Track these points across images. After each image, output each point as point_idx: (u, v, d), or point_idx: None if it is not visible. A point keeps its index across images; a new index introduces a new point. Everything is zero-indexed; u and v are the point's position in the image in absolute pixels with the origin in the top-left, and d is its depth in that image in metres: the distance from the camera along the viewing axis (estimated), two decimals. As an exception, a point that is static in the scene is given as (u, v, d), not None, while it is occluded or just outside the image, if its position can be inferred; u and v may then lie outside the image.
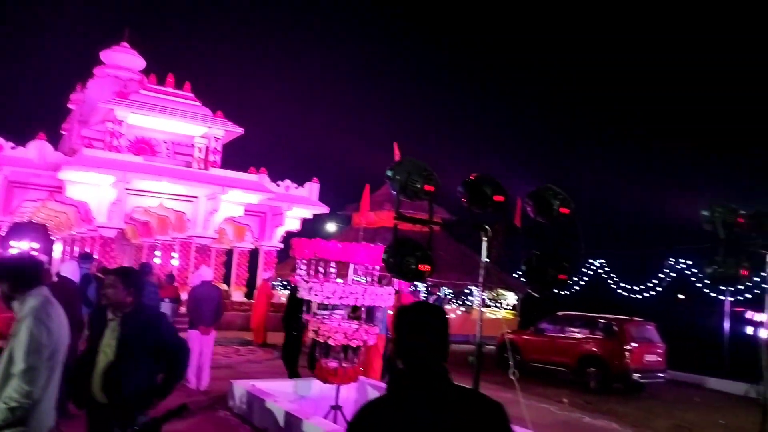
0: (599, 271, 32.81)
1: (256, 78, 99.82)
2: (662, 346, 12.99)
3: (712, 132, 76.03)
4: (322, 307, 6.94)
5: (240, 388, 7.88)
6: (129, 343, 3.58)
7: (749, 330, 21.27)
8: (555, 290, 4.60)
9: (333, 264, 7.14)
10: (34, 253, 20.62)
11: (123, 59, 22.36)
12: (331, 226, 30.68)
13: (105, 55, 22.38)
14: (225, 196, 18.77)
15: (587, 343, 12.91)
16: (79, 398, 3.69)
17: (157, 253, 21.63)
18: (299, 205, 21.52)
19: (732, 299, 16.52)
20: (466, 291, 21.86)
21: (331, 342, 6.54)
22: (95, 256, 14.88)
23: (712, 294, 22.09)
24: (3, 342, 3.15)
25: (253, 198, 19.43)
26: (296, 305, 9.24)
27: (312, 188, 21.95)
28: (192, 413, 6.98)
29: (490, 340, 13.52)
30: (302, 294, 6.88)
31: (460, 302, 21.92)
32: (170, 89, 20.23)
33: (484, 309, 5.08)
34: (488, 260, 4.57)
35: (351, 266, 7.01)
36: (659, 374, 12.80)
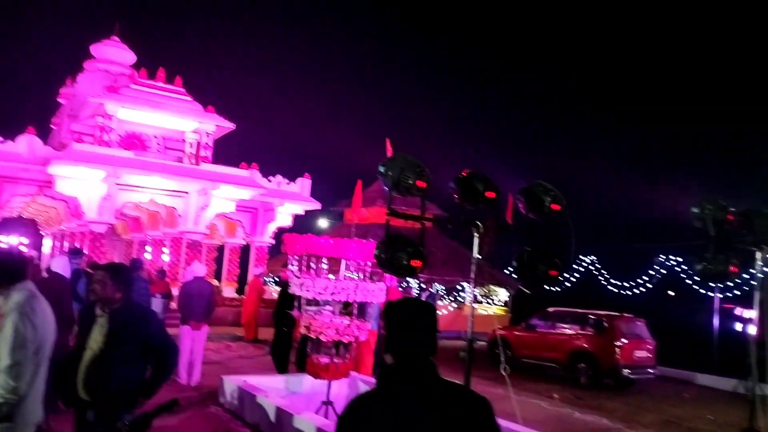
0: (590, 267, 32.98)
1: (248, 73, 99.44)
2: (652, 342, 13.08)
3: (703, 129, 76.56)
4: (312, 303, 6.93)
5: (231, 383, 7.87)
6: (116, 339, 3.52)
7: (738, 326, 21.48)
8: (546, 286, 4.61)
9: (325, 260, 7.13)
10: (24, 248, 20.46)
11: (113, 53, 22.12)
12: (323, 222, 30.62)
13: (95, 49, 22.15)
14: (216, 192, 18.70)
15: (578, 339, 12.98)
16: (67, 396, 3.62)
17: (148, 248, 21.52)
18: (291, 200, 21.47)
19: (721, 296, 16.61)
20: (458, 287, 21.90)
21: (322, 338, 6.53)
22: (85, 252, 14.78)
23: (701, 291, 22.24)
24: None
25: (245, 193, 19.36)
26: (287, 301, 9.23)
27: (304, 184, 21.89)
28: (183, 409, 6.97)
29: (481, 336, 13.54)
30: (294, 290, 6.86)
31: (452, 298, 21.97)
32: (161, 84, 20.05)
33: (475, 305, 5.09)
34: (480, 256, 4.57)
35: (343, 262, 6.99)
36: (649, 370, 12.90)
